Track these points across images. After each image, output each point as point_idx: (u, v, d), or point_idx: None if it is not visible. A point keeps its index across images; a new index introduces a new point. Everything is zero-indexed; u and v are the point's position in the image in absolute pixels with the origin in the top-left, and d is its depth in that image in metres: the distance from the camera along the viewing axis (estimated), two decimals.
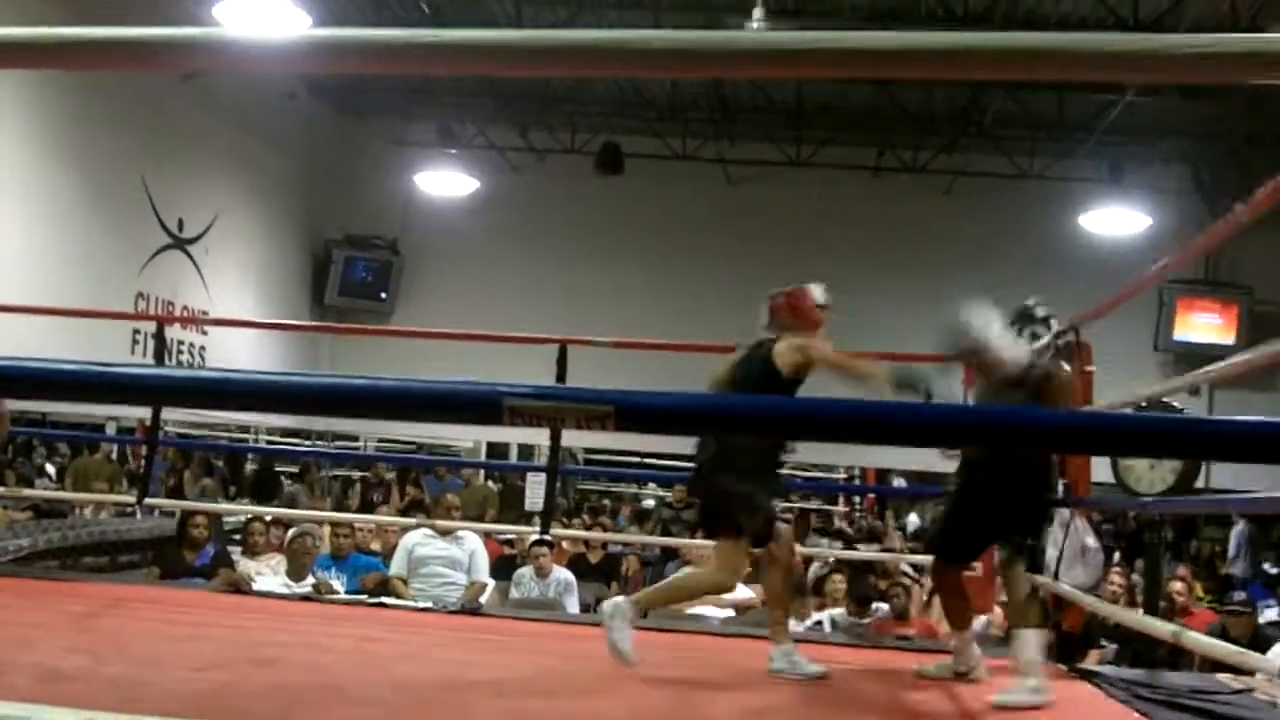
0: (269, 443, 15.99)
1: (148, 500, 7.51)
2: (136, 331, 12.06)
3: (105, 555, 7.71)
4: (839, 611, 7.94)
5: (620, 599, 4.61)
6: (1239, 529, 13.74)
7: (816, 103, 15.59)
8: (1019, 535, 4.78)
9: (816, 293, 5.15)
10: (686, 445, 5.89)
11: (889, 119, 15.78)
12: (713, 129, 16.50)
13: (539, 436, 10.36)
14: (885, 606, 8.05)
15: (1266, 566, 13.47)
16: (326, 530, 8.02)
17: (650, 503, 17.10)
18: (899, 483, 17.74)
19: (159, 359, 7.21)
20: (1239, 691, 4.60)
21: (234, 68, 1.73)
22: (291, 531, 7.53)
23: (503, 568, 8.70)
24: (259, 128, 14.82)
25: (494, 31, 1.62)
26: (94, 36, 1.65)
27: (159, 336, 7.37)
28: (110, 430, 13.98)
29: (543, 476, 7.73)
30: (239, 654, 4.43)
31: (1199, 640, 4.51)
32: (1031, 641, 4.45)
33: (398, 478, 14.28)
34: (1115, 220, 15.16)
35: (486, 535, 8.73)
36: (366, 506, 13.23)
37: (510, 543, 9.85)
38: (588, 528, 11.37)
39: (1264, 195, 3.38)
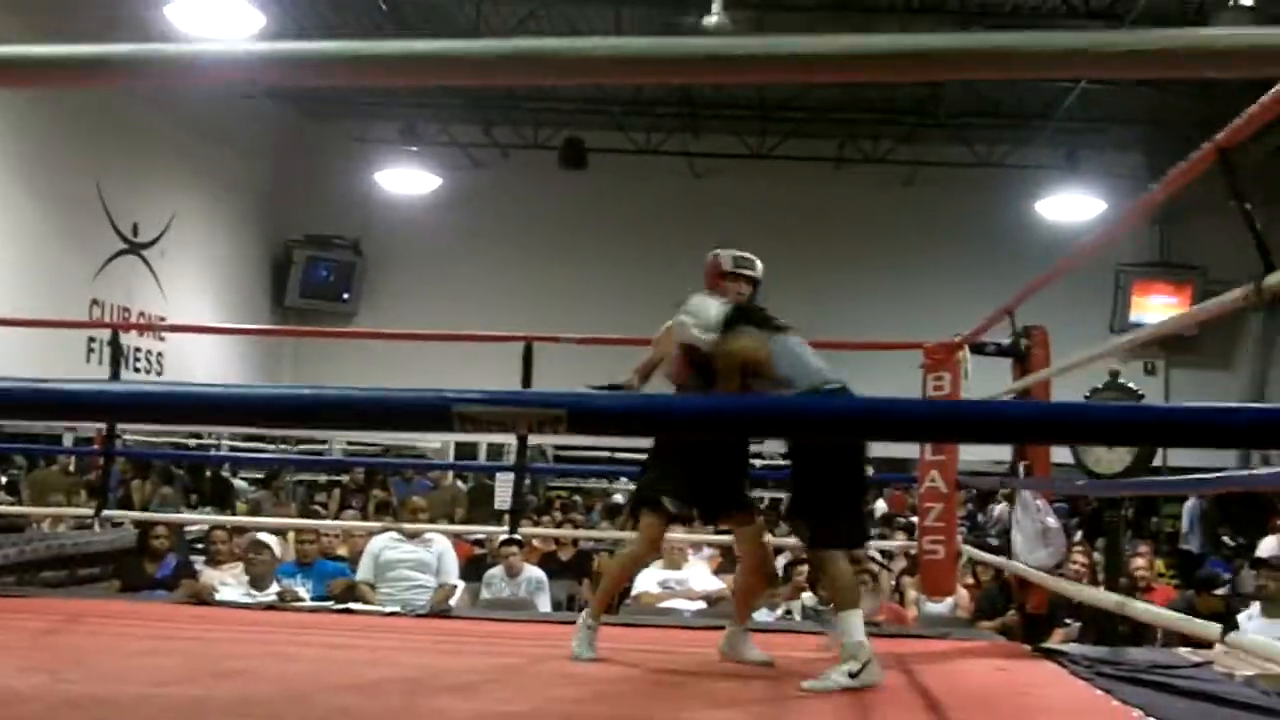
0: (231, 449, 15.89)
1: (106, 512, 7.44)
2: (92, 340, 11.95)
3: (64, 569, 7.64)
4: (809, 596, 7.96)
5: (583, 619, 4.91)
6: (1190, 504, 13.88)
7: (779, 96, 15.66)
8: (817, 517, 4.74)
9: (724, 258, 5.19)
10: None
11: (850, 111, 15.90)
12: (677, 123, 16.55)
13: (507, 436, 10.36)
14: None
15: (1225, 539, 13.58)
16: (291, 537, 7.98)
17: (621, 498, 17.08)
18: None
19: (115, 368, 7.13)
20: (1198, 664, 4.66)
21: (193, 82, 1.72)
22: (244, 541, 7.48)
23: (473, 568, 8.68)
24: (215, 129, 14.72)
25: (455, 42, 1.61)
26: (50, 55, 1.64)
27: (114, 345, 7.30)
28: (67, 441, 13.86)
29: (511, 475, 7.71)
30: (203, 667, 4.39)
31: (1149, 610, 4.59)
32: (851, 623, 4.49)
33: (364, 481, 14.22)
34: (1070, 206, 15.32)
35: (456, 536, 8.71)
36: (343, 513, 13.16)
37: (480, 543, 9.83)
38: (558, 525, 11.36)
39: (1179, 173, 3.45)
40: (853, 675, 4.34)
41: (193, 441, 15.29)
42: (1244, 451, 2.82)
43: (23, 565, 7.36)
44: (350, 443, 16.56)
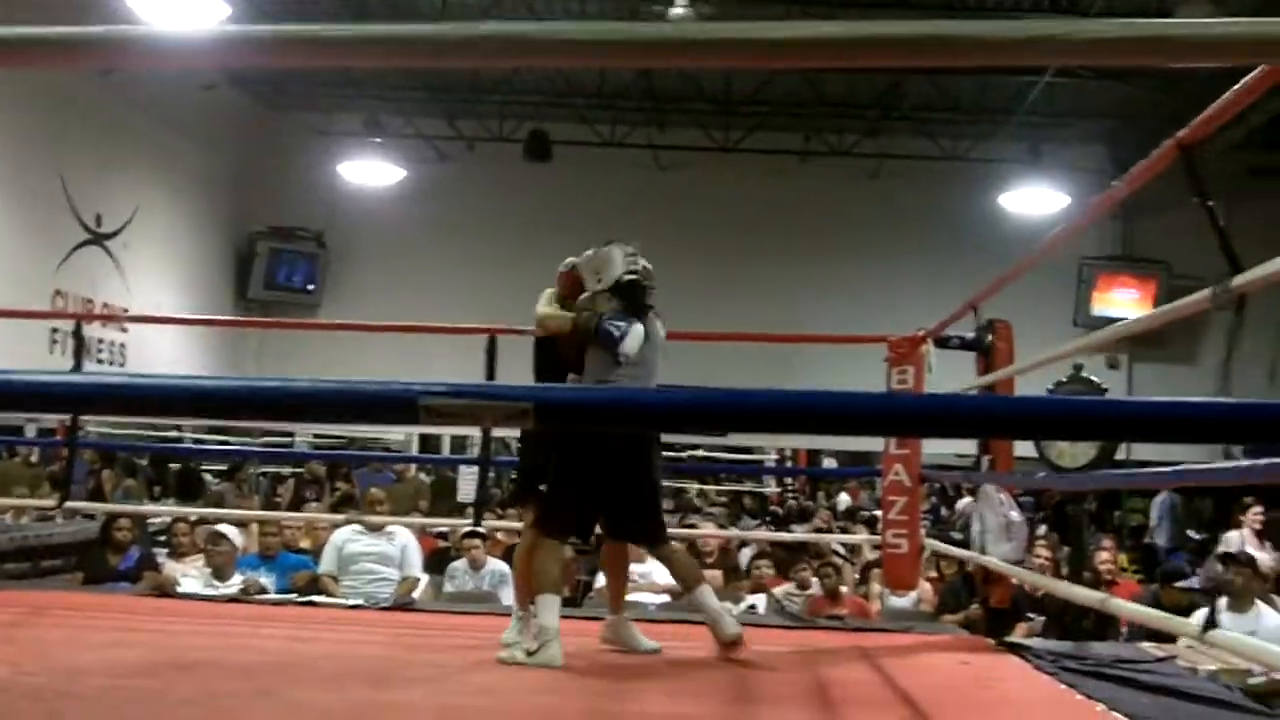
0: (195, 441, 15.78)
1: (69, 504, 7.39)
2: (55, 330, 11.85)
3: (27, 561, 7.58)
4: (781, 589, 7.97)
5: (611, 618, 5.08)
6: (1161, 498, 13.98)
7: (744, 90, 15.67)
8: (542, 504, 4.95)
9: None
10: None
11: (814, 105, 15.90)
12: (642, 116, 16.53)
13: (472, 429, 10.32)
14: (815, 584, 8.10)
15: (1191, 533, 13.69)
16: (255, 529, 7.93)
17: None
18: (830, 463, 17.88)
19: (78, 359, 7.08)
20: (1161, 659, 4.70)
21: (155, 63, 1.72)
22: (204, 534, 7.44)
23: (437, 561, 8.66)
24: (179, 120, 14.61)
25: (418, 25, 1.62)
26: (10, 36, 1.62)
27: (77, 335, 7.24)
28: (30, 433, 13.73)
29: (475, 469, 7.70)
30: (166, 659, 4.37)
31: (1122, 606, 4.61)
32: (540, 606, 4.66)
33: (328, 473, 14.15)
34: (1034, 200, 15.41)
35: (420, 530, 8.68)
36: (299, 504, 13.10)
37: (444, 535, 9.80)
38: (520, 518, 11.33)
39: (1142, 169, 3.47)
40: (530, 654, 4.55)
41: (156, 433, 15.19)
42: (1226, 447, 2.84)
43: None
44: (316, 435, 16.49)
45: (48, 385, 1.76)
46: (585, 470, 4.83)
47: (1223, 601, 7.13)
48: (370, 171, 16.26)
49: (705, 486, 17.89)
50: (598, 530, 5.11)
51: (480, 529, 7.58)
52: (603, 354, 4.79)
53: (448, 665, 4.58)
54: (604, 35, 1.63)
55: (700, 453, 16.89)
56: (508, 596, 7.88)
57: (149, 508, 10.61)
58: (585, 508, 4.94)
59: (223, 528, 7.22)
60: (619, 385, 4.69)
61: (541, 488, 4.96)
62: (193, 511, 9.50)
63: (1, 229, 11.56)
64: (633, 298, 4.89)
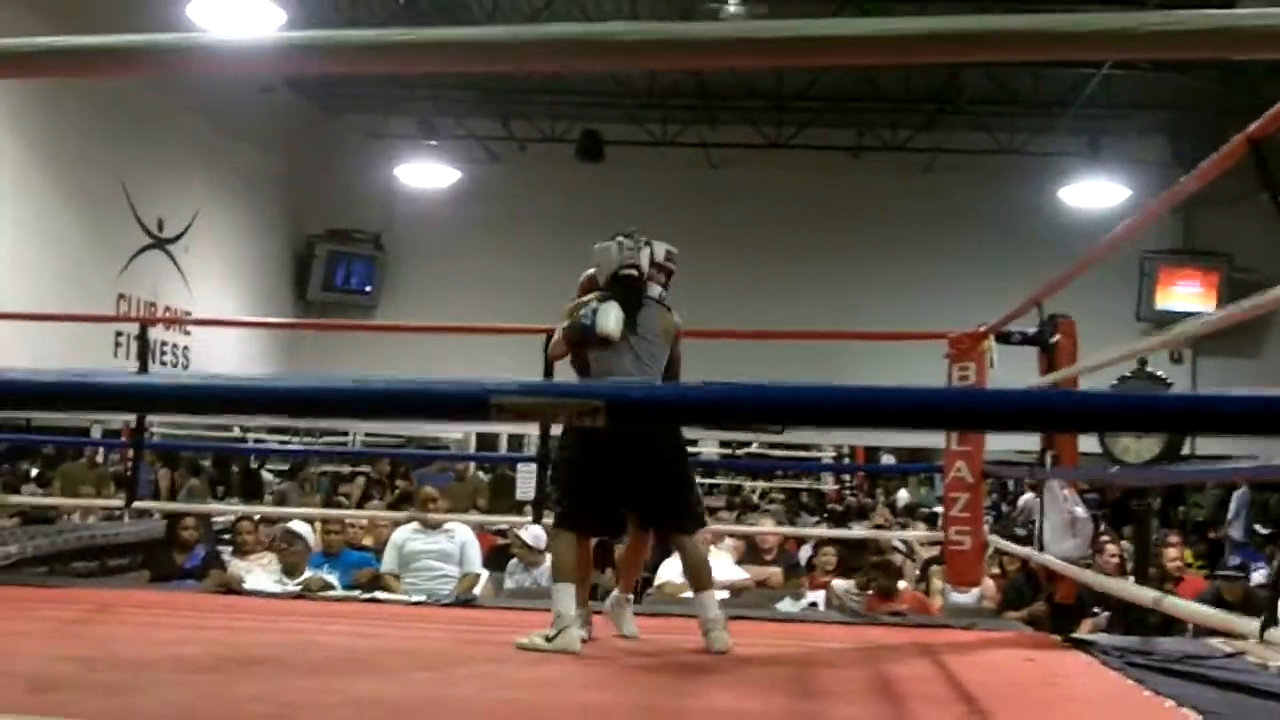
0: (255, 440, 15.94)
1: (136, 503, 7.49)
2: (119, 334, 12.02)
3: (94, 560, 7.69)
4: (842, 586, 7.94)
5: (616, 594, 5.18)
6: (1240, 492, 13.76)
7: (796, 86, 15.60)
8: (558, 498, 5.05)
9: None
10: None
11: (868, 100, 15.82)
12: (693, 114, 16.50)
13: (529, 426, 10.34)
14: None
15: (1258, 528, 13.50)
16: (316, 527, 8.01)
17: None
18: (888, 459, 17.80)
19: (143, 361, 7.17)
20: (1230, 655, 4.64)
21: (213, 70, 1.74)
22: (278, 532, 7.51)
23: (497, 558, 8.69)
24: (237, 125, 14.76)
25: (471, 29, 1.63)
26: (75, 45, 1.65)
27: (142, 338, 7.33)
28: (96, 434, 13.93)
29: (533, 466, 7.72)
30: (231, 656, 4.41)
31: (1183, 606, 4.55)
32: (556, 594, 4.80)
33: (390, 472, 14.25)
34: (1094, 193, 15.23)
35: (479, 527, 8.72)
36: (365, 503, 13.20)
37: (503, 533, 9.84)
38: None
39: (1212, 163, 3.42)
40: (548, 640, 4.66)
41: (220, 434, 15.36)
42: None
43: (54, 556, 7.41)
44: (368, 434, 16.63)
45: (119, 386, 1.78)
46: (596, 464, 4.88)
47: None
48: (425, 173, 16.36)
49: (761, 484, 17.85)
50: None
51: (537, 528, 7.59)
52: (596, 350, 4.89)
53: (506, 660, 4.59)
54: (658, 36, 1.62)
55: (754, 448, 16.88)
56: None
57: (214, 506, 10.74)
58: (601, 501, 4.97)
59: (296, 526, 7.30)
60: (630, 376, 4.80)
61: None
62: (257, 510, 9.61)
63: (66, 234, 11.73)
64: (627, 290, 4.95)
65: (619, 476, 4.89)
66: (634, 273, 5.00)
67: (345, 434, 16.84)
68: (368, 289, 17.16)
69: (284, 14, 10.28)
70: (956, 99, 15.70)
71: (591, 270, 5.19)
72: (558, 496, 5.03)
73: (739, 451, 17.02)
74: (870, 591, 7.75)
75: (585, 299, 5.03)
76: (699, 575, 4.99)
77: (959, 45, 1.65)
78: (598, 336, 4.83)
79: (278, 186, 16.61)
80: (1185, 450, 6.99)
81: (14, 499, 10.01)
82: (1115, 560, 7.50)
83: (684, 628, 5.52)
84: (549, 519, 5.44)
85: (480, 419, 1.49)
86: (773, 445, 16.70)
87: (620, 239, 5.09)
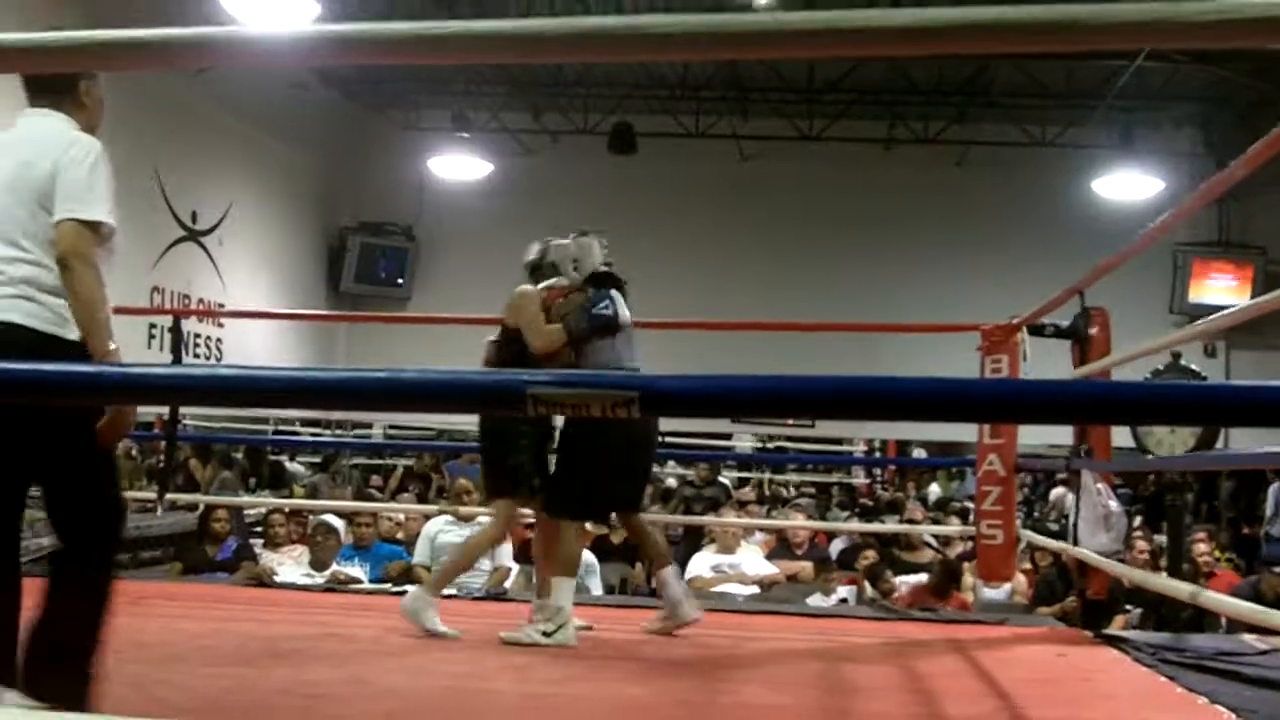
0: (283, 433, 16.00)
1: (170, 495, 7.54)
2: (153, 326, 12.07)
3: (126, 552, 7.72)
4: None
5: (416, 590, 5.15)
6: (1275, 487, 13.64)
7: (828, 78, 15.55)
8: (554, 487, 5.05)
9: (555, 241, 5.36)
10: (708, 425, 5.90)
11: (899, 92, 15.76)
12: (725, 106, 16.46)
13: (559, 419, 10.33)
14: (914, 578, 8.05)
15: None
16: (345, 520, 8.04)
17: (672, 482, 17.12)
18: (919, 454, 17.75)
19: (176, 353, 7.22)
20: (1265, 652, 4.60)
21: (249, 63, 1.75)
22: (312, 524, 7.55)
23: (527, 551, 8.70)
24: (270, 118, 14.81)
25: (504, 22, 1.63)
26: (111, 39, 1.66)
27: (176, 331, 7.38)
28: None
29: None
30: (261, 648, 4.44)
31: (1220, 601, 4.51)
32: (560, 589, 4.80)
33: (433, 465, 14.26)
34: (1127, 185, 15.12)
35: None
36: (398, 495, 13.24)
37: (533, 526, 9.84)
38: None
39: (1256, 151, 3.37)
40: (546, 635, 4.70)
41: (252, 426, 15.43)
42: None
43: None
44: (391, 426, 16.69)
45: (156, 377, 1.80)
46: (617, 453, 4.97)
47: None
48: (458, 166, 16.39)
49: (790, 477, 17.82)
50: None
51: None
52: (599, 343, 4.97)
53: (537, 654, 4.61)
54: (692, 28, 1.61)
55: (783, 443, 16.85)
56: (595, 586, 7.94)
57: (246, 499, 10.79)
58: (621, 490, 5.10)
59: (329, 519, 7.33)
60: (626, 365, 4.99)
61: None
62: (289, 503, 9.65)
63: None
64: (614, 283, 5.12)
65: (632, 464, 5.08)
66: (611, 267, 5.20)
67: (369, 426, 16.90)
68: (400, 281, 17.20)
69: (318, 6, 10.31)
70: (988, 91, 15.61)
71: (552, 280, 5.24)
72: (576, 488, 5.02)
73: (770, 445, 17.02)
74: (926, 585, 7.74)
75: (573, 295, 5.10)
76: (658, 553, 5.22)
77: (997, 35, 1.63)
78: (618, 327, 4.97)
79: (311, 179, 16.67)
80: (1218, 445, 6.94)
81: None
82: (1145, 555, 7.45)
83: (714, 622, 5.53)
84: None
85: (517, 410, 1.50)
86: (803, 439, 16.67)
87: (587, 237, 5.27)
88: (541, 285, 5.18)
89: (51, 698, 2.84)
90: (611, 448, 4.93)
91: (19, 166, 3.00)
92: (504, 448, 5.07)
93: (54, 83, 3.15)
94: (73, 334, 2.93)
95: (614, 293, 5.03)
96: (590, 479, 4.99)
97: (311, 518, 7.62)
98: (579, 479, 4.99)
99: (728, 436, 15.97)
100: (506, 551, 7.54)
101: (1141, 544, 7.53)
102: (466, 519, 7.51)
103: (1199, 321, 4.72)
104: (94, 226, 2.96)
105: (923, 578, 7.81)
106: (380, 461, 16.22)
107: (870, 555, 8.32)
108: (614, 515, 5.50)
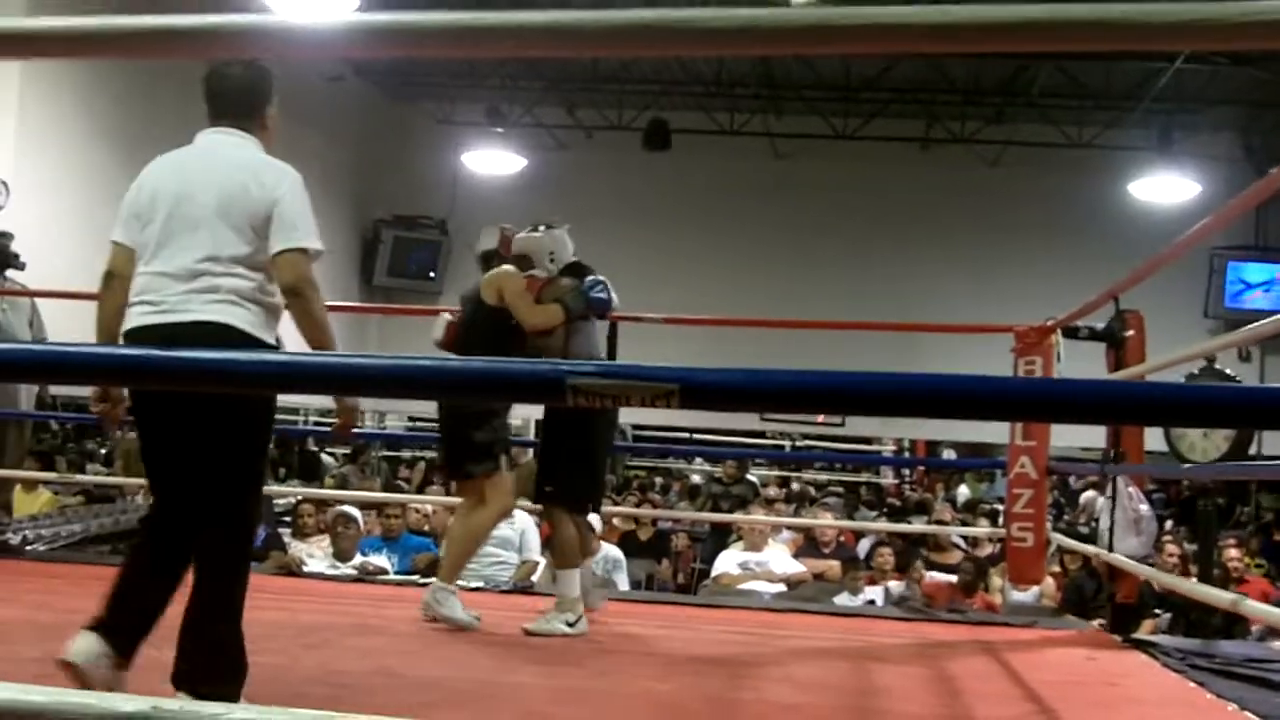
0: (316, 423, 16.06)
1: None
2: None
3: None
4: (900, 585, 7.92)
5: (434, 584, 5.08)
6: None
7: (864, 76, 15.49)
8: (548, 478, 5.12)
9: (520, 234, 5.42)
10: (737, 420, 5.89)
11: (936, 91, 15.68)
12: (760, 104, 16.42)
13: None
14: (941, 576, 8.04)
15: None
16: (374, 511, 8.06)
17: (698, 478, 17.12)
18: (949, 454, 17.69)
19: None
20: None
21: (286, 53, 1.76)
22: (331, 515, 7.57)
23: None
24: (305, 111, 14.85)
25: (539, 14, 1.63)
26: (146, 26, 1.66)
27: None
28: None
29: None
30: (290, 637, 4.46)
31: (1261, 610, 4.47)
32: (568, 580, 4.90)
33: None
34: (1165, 188, 15.00)
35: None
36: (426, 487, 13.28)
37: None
38: (638, 505, 11.36)
39: None
40: (570, 625, 4.78)
41: (282, 416, 15.47)
42: None
43: (116, 535, 7.49)
44: (411, 418, 16.73)
45: (204, 363, 1.80)
46: (600, 444, 5.15)
47: None
48: (491, 160, 16.42)
49: (818, 476, 17.80)
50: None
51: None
52: (585, 325, 5.12)
53: (565, 648, 4.62)
54: (728, 23, 1.60)
55: (812, 441, 16.83)
56: (623, 582, 7.94)
57: (276, 488, 10.84)
58: (599, 479, 5.33)
59: (348, 509, 7.35)
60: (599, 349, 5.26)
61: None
62: (318, 493, 9.69)
63: None
64: (585, 272, 5.26)
65: (605, 454, 5.33)
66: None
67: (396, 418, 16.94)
68: (432, 274, 17.25)
69: None
70: (1027, 91, 15.52)
71: (532, 271, 5.26)
72: (569, 479, 5.11)
73: (798, 443, 17.00)
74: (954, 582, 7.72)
75: (562, 281, 5.18)
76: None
77: (1034, 33, 1.61)
78: (610, 310, 5.24)
79: (345, 172, 16.73)
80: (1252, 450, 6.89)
81: (79, 478, 10.15)
82: (1174, 560, 7.41)
83: (741, 619, 5.53)
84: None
85: (557, 400, 1.50)
86: (832, 438, 16.64)
87: (557, 230, 5.39)
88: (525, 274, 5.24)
89: (209, 689, 3.09)
90: (593, 440, 5.09)
91: (233, 189, 3.30)
92: (467, 425, 5.06)
93: (240, 104, 3.51)
94: (270, 337, 3.30)
95: (599, 281, 5.17)
96: (576, 466, 5.09)
97: (332, 508, 7.64)
98: (565, 466, 5.09)
99: (761, 435, 15.97)
100: (534, 545, 7.55)
101: (1171, 548, 7.48)
102: None
103: (1239, 330, 4.67)
104: (311, 253, 3.33)
105: (952, 579, 7.79)
106: (408, 454, 16.27)
107: (885, 553, 8.31)
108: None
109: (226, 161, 3.39)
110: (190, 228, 3.27)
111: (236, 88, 3.51)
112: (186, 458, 3.25)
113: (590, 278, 5.17)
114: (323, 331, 3.32)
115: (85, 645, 3.16)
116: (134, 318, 3.28)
